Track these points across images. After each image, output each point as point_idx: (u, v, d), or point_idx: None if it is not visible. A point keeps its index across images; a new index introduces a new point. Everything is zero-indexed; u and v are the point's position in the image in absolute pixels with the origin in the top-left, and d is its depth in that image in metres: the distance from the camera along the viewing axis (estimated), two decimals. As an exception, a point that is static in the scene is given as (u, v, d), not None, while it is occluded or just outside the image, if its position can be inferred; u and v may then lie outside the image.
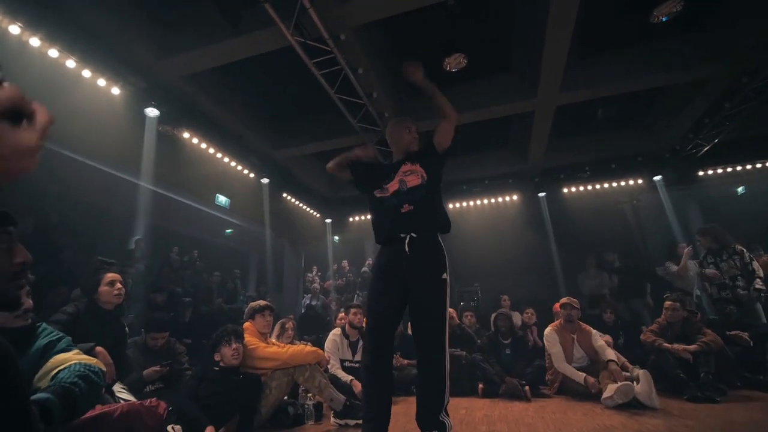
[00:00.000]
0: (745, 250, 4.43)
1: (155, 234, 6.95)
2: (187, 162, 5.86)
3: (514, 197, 7.88)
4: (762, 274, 4.29)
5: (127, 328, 2.77)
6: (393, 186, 2.09)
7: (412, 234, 1.97)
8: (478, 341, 4.33)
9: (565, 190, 7.58)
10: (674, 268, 5.28)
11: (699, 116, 5.75)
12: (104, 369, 1.28)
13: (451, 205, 8.13)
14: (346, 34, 3.95)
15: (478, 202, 8.09)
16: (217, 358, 2.59)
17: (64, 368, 1.17)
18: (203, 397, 2.38)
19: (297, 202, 7.98)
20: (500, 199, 7.99)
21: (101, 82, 4.12)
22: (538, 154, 6.88)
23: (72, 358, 1.23)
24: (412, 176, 2.07)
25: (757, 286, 4.16)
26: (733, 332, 3.80)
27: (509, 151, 7.46)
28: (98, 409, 1.16)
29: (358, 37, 4.26)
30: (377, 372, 1.93)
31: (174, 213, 8.63)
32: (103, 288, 2.50)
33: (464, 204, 8.14)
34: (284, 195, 7.55)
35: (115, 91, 4.28)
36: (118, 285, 2.54)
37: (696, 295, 5.35)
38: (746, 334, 3.77)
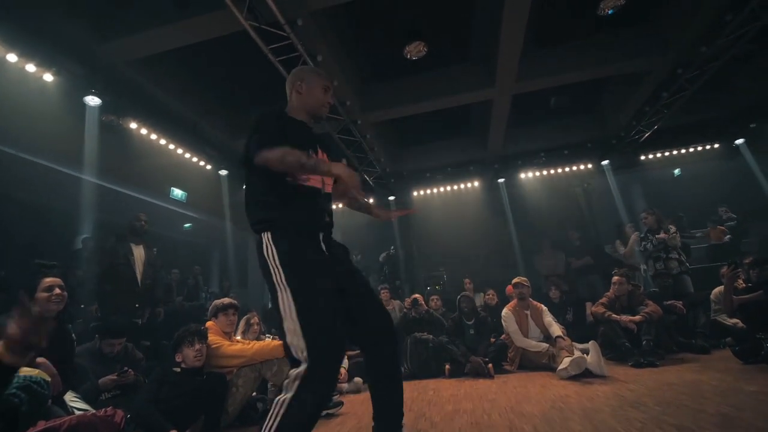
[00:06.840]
0: (676, 229, 4.98)
1: (105, 231, 6.49)
2: (136, 154, 5.48)
3: (476, 184, 8.11)
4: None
5: (74, 335, 2.58)
6: (329, 182, 1.75)
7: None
8: (446, 324, 4.48)
9: (523, 176, 7.90)
10: (622, 249, 5.76)
11: (640, 105, 6.15)
12: (48, 379, 1.20)
13: (415, 193, 8.23)
14: (304, 19, 3.83)
15: (442, 189, 8.25)
16: (178, 359, 2.49)
17: (2, 383, 1.08)
18: (164, 400, 2.28)
19: (259, 194, 7.72)
20: (462, 186, 8.19)
21: (30, 67, 3.73)
22: (497, 141, 7.10)
23: (10, 371, 1.14)
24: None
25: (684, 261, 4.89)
26: (669, 302, 4.19)
27: (470, 140, 7.64)
28: (41, 425, 1.09)
29: (317, 22, 4.14)
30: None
31: (125, 208, 8.09)
32: (41, 294, 2.31)
33: (428, 191, 8.27)
34: (245, 187, 7.26)
35: (48, 77, 3.89)
36: (57, 290, 2.35)
37: (643, 269, 5.85)
38: (680, 303, 4.18)
